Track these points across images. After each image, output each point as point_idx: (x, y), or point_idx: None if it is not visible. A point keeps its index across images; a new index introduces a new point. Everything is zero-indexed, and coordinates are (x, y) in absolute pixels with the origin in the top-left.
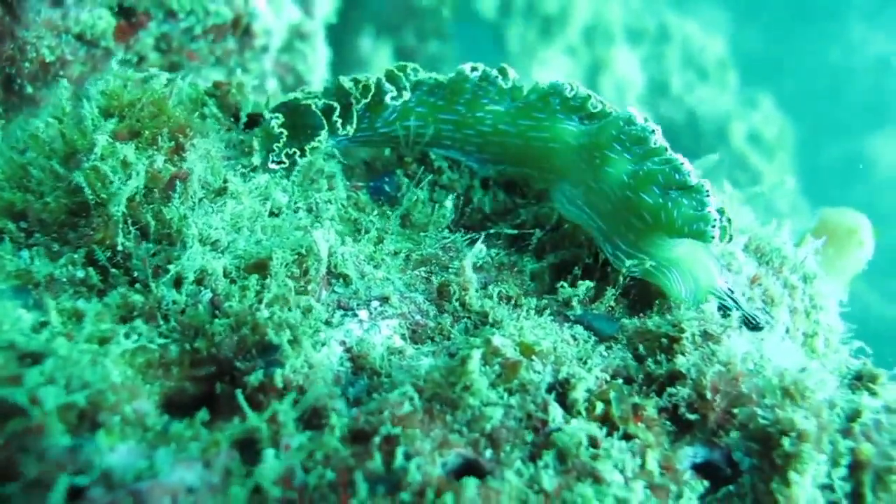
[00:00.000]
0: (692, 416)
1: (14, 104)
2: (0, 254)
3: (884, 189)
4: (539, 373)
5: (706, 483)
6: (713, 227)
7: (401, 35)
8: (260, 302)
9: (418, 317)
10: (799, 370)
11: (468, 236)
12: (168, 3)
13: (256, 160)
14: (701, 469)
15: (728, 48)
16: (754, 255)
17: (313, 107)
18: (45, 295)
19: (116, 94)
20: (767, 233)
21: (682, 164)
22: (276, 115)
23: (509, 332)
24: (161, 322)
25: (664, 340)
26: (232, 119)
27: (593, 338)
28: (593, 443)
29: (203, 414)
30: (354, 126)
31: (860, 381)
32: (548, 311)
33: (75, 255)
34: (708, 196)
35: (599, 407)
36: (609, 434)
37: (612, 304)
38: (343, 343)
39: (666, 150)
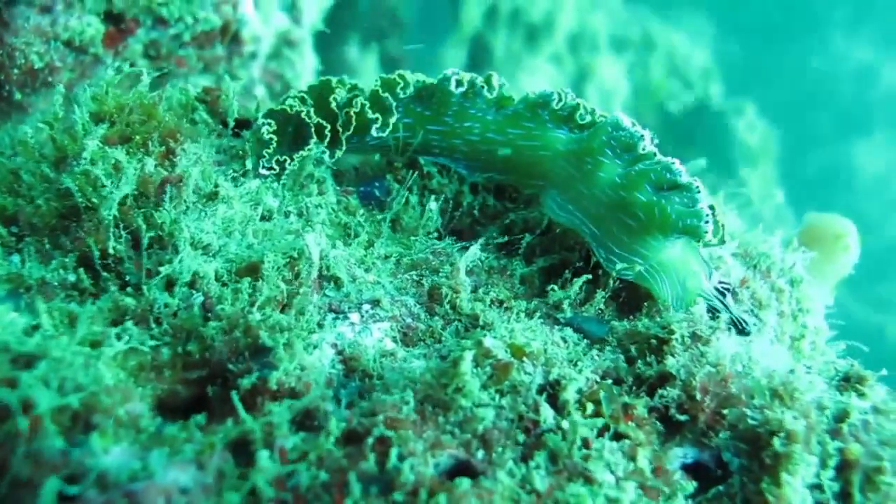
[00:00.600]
0: (682, 417)
1: (2, 110)
2: None
3: (866, 197)
4: (530, 374)
5: (695, 483)
6: (706, 222)
7: (387, 43)
8: (252, 305)
9: (409, 320)
10: (787, 371)
11: (459, 243)
12: (157, 10)
13: (248, 165)
14: (691, 470)
15: (712, 56)
16: (742, 260)
17: (304, 117)
18: (36, 298)
19: (106, 99)
20: (755, 238)
21: (672, 163)
22: (268, 121)
23: (500, 334)
24: (153, 325)
25: (653, 342)
26: (222, 124)
27: (583, 340)
28: (584, 443)
29: (200, 417)
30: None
31: (848, 382)
32: (538, 314)
33: (66, 259)
34: (699, 193)
35: (590, 407)
36: (600, 435)
37: (602, 306)
38: (335, 346)
39: (655, 154)
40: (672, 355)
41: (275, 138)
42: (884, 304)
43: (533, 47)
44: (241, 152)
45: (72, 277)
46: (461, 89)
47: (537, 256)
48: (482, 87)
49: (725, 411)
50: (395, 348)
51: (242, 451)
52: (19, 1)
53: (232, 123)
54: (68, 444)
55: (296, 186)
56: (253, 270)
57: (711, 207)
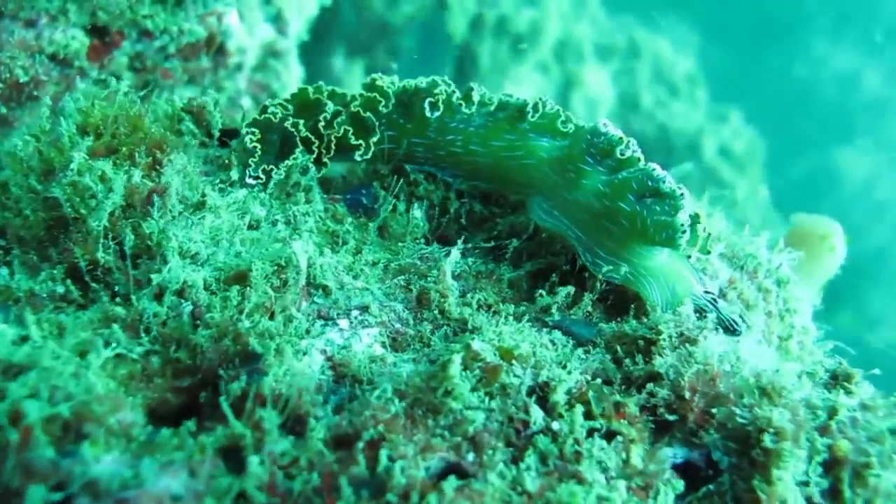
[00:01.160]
0: (671, 417)
1: None
2: None
3: (851, 202)
4: (519, 376)
5: (682, 482)
6: (682, 233)
7: (372, 54)
8: (241, 312)
9: (398, 325)
10: (775, 370)
11: (445, 249)
12: (142, 23)
13: (234, 175)
14: (680, 469)
15: (697, 64)
16: (729, 261)
17: (290, 128)
18: (25, 310)
19: (92, 111)
20: (741, 239)
21: (653, 169)
22: (251, 130)
23: (489, 338)
24: (143, 335)
25: (641, 343)
26: (208, 135)
27: (571, 342)
28: (575, 443)
29: (190, 424)
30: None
31: (836, 380)
32: (526, 318)
33: (55, 271)
34: (682, 199)
35: (580, 408)
36: (590, 435)
37: (590, 309)
38: (324, 352)
39: (638, 159)
40: (660, 355)
41: (259, 147)
42: (869, 310)
43: (519, 56)
44: (227, 161)
45: (60, 289)
46: (437, 113)
47: (524, 261)
48: (459, 104)
49: (714, 410)
50: (384, 353)
51: (234, 457)
52: (3, 15)
53: (218, 135)
54: (59, 453)
55: (283, 195)
56: (241, 279)
57: (696, 217)
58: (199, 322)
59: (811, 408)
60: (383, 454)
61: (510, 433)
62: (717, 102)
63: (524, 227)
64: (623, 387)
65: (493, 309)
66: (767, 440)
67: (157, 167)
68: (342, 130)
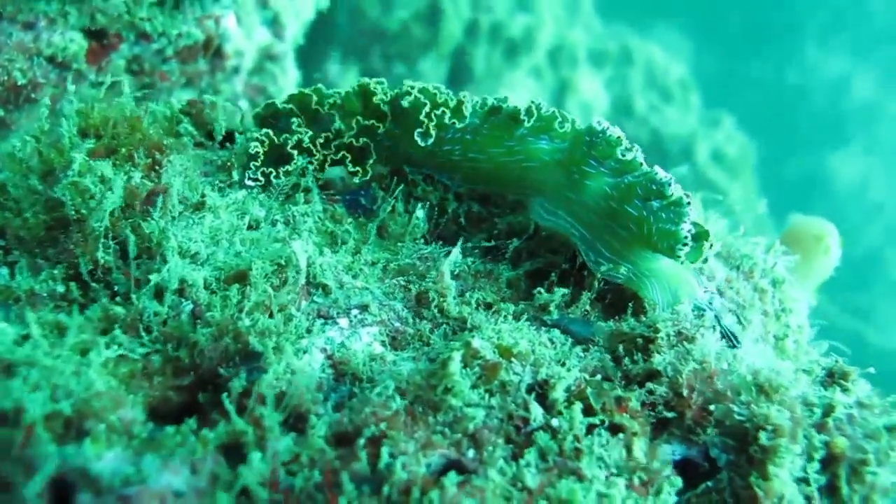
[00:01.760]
0: (669, 414)
1: None
2: None
3: (843, 205)
4: (518, 374)
5: (680, 479)
6: (683, 245)
7: (368, 59)
8: (241, 311)
9: (398, 324)
10: (772, 368)
11: (444, 249)
12: (140, 25)
13: (235, 176)
14: (679, 466)
15: (689, 70)
16: (725, 261)
17: (290, 149)
18: (26, 309)
19: (92, 112)
20: (737, 240)
21: (657, 174)
22: (262, 139)
23: (488, 336)
24: (143, 334)
25: (640, 341)
26: (207, 136)
27: (570, 341)
28: (575, 440)
29: (192, 421)
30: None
31: (832, 378)
32: (525, 317)
33: (55, 271)
34: (687, 207)
35: (579, 404)
36: (589, 431)
37: (588, 308)
38: (324, 350)
39: (641, 163)
40: (658, 353)
41: (261, 153)
42: (861, 312)
43: (513, 61)
44: (227, 163)
45: (61, 288)
46: (430, 140)
47: (523, 260)
48: (452, 122)
49: (712, 407)
50: (384, 352)
51: (235, 454)
52: (2, 17)
53: (219, 136)
54: (61, 450)
55: (282, 195)
56: (241, 278)
57: (704, 234)
58: (199, 321)
59: (808, 405)
60: (384, 451)
61: (510, 430)
62: (709, 107)
63: (523, 227)
64: (623, 383)
65: (492, 308)
66: (764, 437)
67: (157, 168)
68: (340, 156)
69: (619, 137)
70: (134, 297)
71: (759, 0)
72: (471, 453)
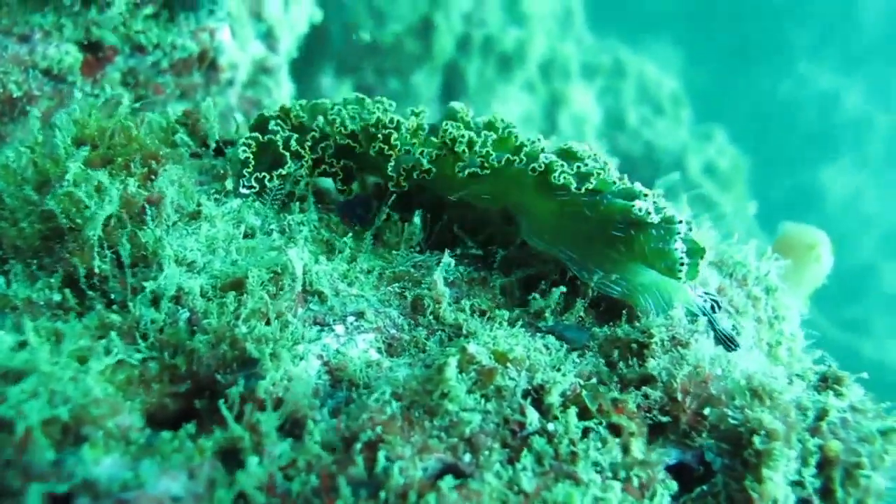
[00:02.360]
0: (664, 419)
1: None
2: None
3: (834, 218)
4: (514, 379)
5: (675, 483)
6: (681, 265)
7: (361, 73)
8: (237, 318)
9: (393, 331)
10: (766, 372)
11: (438, 256)
12: (135, 38)
13: (229, 185)
14: (674, 470)
15: (682, 84)
16: (718, 269)
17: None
18: (23, 317)
19: (88, 122)
20: (730, 248)
21: (633, 206)
22: (248, 142)
23: (484, 341)
24: (140, 341)
25: (634, 346)
26: (203, 146)
27: (565, 347)
28: (570, 444)
29: (189, 427)
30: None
31: (826, 382)
32: (520, 323)
33: (52, 280)
34: (677, 224)
35: (574, 409)
36: (584, 435)
37: (583, 314)
38: (321, 357)
39: (614, 182)
40: (653, 358)
41: (252, 158)
42: (854, 325)
43: (506, 75)
44: (222, 172)
45: (57, 297)
46: (391, 163)
47: (515, 269)
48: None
49: (706, 412)
50: (380, 358)
51: (232, 459)
52: None
53: (213, 146)
54: (59, 455)
55: (278, 205)
56: (237, 286)
57: (701, 252)
58: (196, 328)
59: (802, 409)
60: (381, 455)
61: (506, 434)
62: (701, 121)
63: (515, 236)
64: (618, 388)
65: (487, 315)
66: (758, 441)
67: (153, 177)
68: (333, 170)
69: (590, 161)
70: (131, 304)
71: (750, 14)
72: (467, 457)
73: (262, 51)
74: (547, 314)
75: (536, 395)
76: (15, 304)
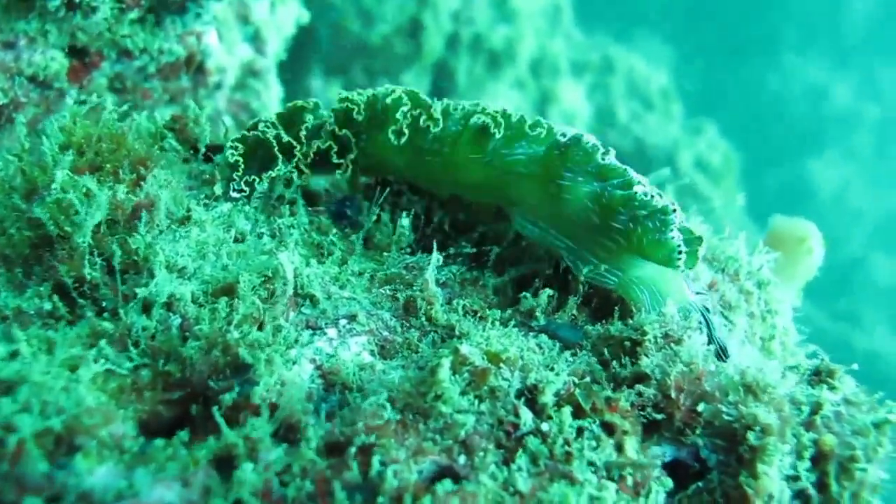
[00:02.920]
0: (658, 416)
1: None
2: None
3: (825, 212)
4: (507, 379)
5: (671, 480)
6: (679, 254)
7: (350, 74)
8: (229, 324)
9: (386, 333)
10: (759, 367)
11: (430, 257)
12: (121, 43)
13: (218, 189)
14: (669, 467)
15: (671, 79)
16: (710, 264)
17: (271, 139)
18: (13, 327)
19: (75, 129)
20: (721, 242)
21: (636, 193)
22: (234, 145)
23: (476, 342)
24: (132, 348)
25: (627, 344)
26: (192, 151)
27: (558, 346)
28: (565, 443)
29: (183, 434)
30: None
31: (819, 376)
32: (512, 323)
33: (41, 288)
34: (672, 214)
35: (568, 409)
36: (579, 434)
37: (575, 312)
38: (313, 361)
39: (616, 168)
40: (646, 356)
41: (241, 160)
42: (846, 316)
43: (495, 73)
44: (211, 177)
45: (48, 306)
46: (404, 139)
47: (508, 268)
48: (427, 124)
49: (700, 408)
50: (373, 361)
51: (227, 466)
52: None
53: (203, 150)
54: (52, 466)
55: (267, 208)
56: (229, 291)
57: (698, 240)
58: (188, 334)
59: (796, 403)
60: (375, 459)
61: (500, 435)
62: (691, 116)
63: (506, 234)
64: (612, 386)
65: (479, 315)
66: (752, 437)
67: (142, 183)
68: (326, 145)
69: (594, 144)
70: (122, 312)
71: (738, 9)
72: (462, 459)
73: (250, 53)
74: (538, 313)
75: (530, 395)
76: (5, 315)
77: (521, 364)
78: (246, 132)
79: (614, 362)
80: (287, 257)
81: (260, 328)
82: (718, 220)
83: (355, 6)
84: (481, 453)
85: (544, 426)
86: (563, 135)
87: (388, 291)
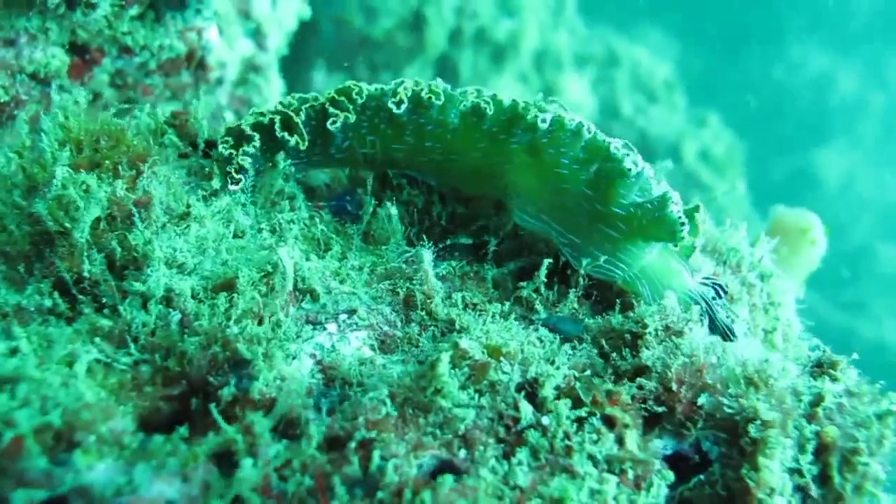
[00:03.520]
0: (659, 409)
1: None
2: None
3: (830, 202)
4: (507, 373)
5: (672, 473)
6: (682, 226)
7: (353, 67)
8: (229, 319)
9: (386, 327)
10: (760, 360)
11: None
12: (122, 40)
13: (216, 184)
14: (671, 460)
15: (675, 70)
16: (711, 256)
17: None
18: (13, 324)
19: (74, 126)
20: (723, 234)
21: (623, 165)
22: (225, 139)
23: (476, 336)
24: (131, 344)
25: (628, 337)
26: (191, 147)
27: (558, 339)
28: (565, 437)
29: (183, 430)
30: (306, 141)
31: (821, 368)
32: (513, 316)
33: (42, 285)
34: (669, 194)
35: (569, 402)
36: (580, 428)
37: (576, 305)
38: (314, 356)
39: (603, 142)
40: (647, 348)
41: (234, 154)
42: (852, 306)
43: (499, 66)
44: (209, 172)
45: (48, 302)
46: (403, 107)
47: (507, 261)
48: (429, 97)
49: (702, 401)
50: (373, 356)
51: (227, 461)
52: None
53: (202, 146)
54: (52, 462)
55: (267, 203)
56: (228, 286)
57: (695, 208)
58: (187, 330)
59: (797, 395)
60: (375, 454)
61: (500, 429)
62: (695, 107)
63: (505, 227)
64: (613, 379)
65: (479, 308)
66: (753, 429)
67: (141, 179)
68: (319, 103)
69: (579, 124)
70: (121, 308)
71: None
72: (462, 453)
73: (251, 49)
74: (538, 305)
75: (530, 389)
76: (5, 311)
77: (522, 358)
78: (238, 124)
79: (615, 355)
80: (287, 252)
81: (259, 323)
82: (722, 211)
83: (357, 0)
84: (481, 447)
85: (545, 420)
86: (544, 120)
87: (387, 286)
